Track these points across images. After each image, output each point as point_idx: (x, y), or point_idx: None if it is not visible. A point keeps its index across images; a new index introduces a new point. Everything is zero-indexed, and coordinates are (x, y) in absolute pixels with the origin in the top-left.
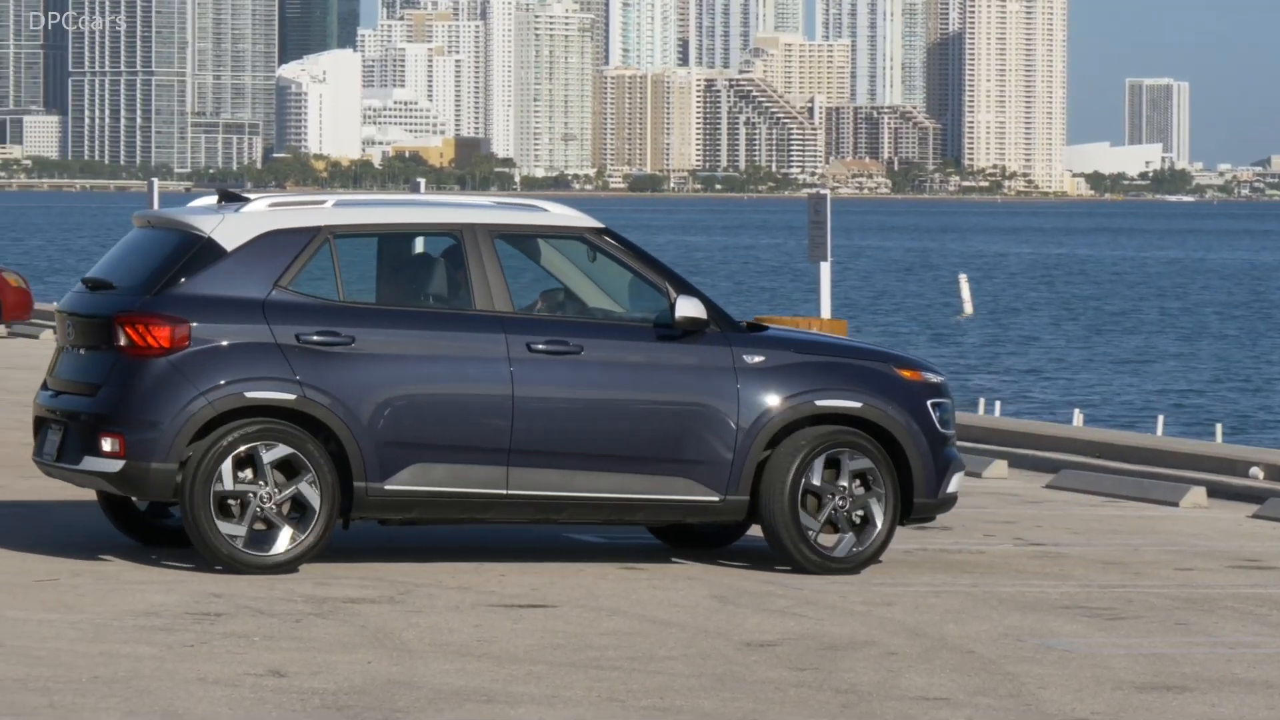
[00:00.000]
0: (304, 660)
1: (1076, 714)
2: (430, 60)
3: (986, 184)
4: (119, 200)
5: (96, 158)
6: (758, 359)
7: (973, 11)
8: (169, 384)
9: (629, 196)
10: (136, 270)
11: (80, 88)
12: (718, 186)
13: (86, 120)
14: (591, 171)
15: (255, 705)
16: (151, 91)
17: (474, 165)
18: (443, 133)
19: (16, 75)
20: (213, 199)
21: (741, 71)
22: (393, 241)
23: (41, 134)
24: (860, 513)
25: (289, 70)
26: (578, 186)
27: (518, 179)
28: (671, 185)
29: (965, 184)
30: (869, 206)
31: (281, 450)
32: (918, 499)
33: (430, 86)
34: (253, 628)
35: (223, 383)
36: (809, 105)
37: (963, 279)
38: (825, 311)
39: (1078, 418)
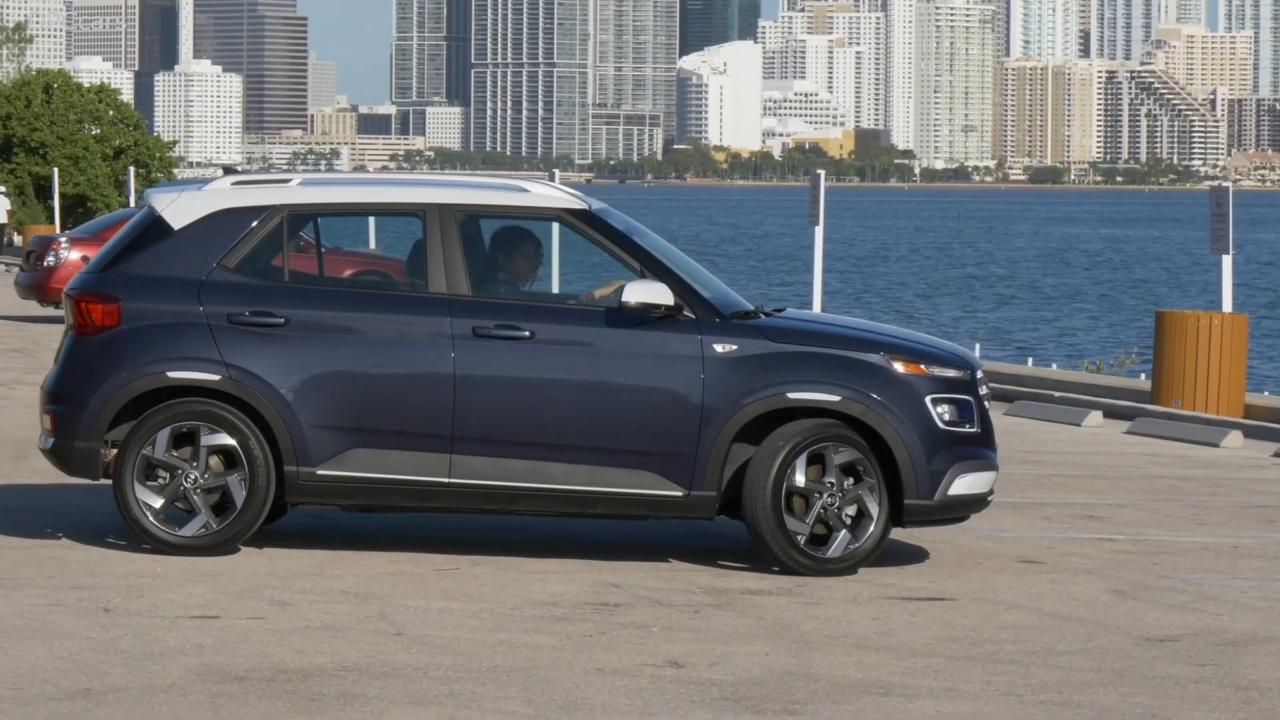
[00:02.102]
0: (702, 651)
1: None
2: (831, 51)
3: None
4: None
5: (498, 149)
6: (729, 348)
7: None
8: (95, 362)
9: (1029, 188)
10: (108, 248)
11: (482, 79)
12: (1118, 179)
13: (488, 112)
14: (991, 163)
15: (653, 696)
16: (553, 83)
17: (873, 157)
18: (843, 124)
19: (420, 67)
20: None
21: (1143, 63)
22: (352, 222)
23: (444, 126)
24: (852, 511)
25: (690, 62)
26: (977, 178)
27: (917, 171)
28: (1072, 177)
29: None
30: (1272, 199)
31: (213, 432)
32: (909, 500)
33: (830, 78)
34: (651, 618)
35: (145, 362)
36: (1211, 97)
37: None
38: (1226, 304)
39: None
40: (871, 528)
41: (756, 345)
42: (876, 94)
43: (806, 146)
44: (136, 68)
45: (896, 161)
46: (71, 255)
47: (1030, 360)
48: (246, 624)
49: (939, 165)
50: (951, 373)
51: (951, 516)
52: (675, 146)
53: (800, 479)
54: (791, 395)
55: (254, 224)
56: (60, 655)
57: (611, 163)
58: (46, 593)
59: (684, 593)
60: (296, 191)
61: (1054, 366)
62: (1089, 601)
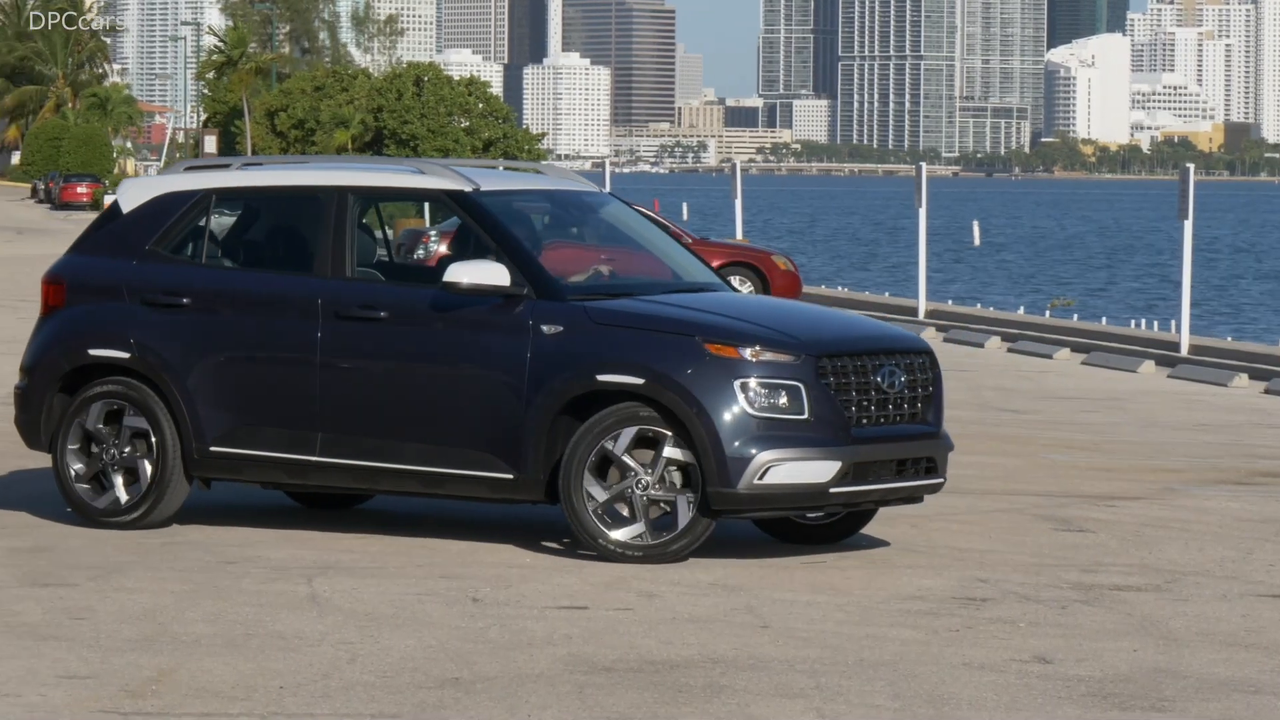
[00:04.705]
0: (1069, 647)
1: None
2: (1200, 44)
3: None
4: (885, 184)
5: (864, 142)
6: (556, 329)
7: None
8: (42, 341)
9: None
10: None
11: (849, 72)
12: None
13: (855, 104)
14: None
15: (1020, 691)
16: (920, 76)
17: (1243, 150)
18: (1212, 117)
19: (787, 60)
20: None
21: None
22: (265, 203)
23: (811, 118)
24: (666, 499)
25: (1057, 54)
26: None
27: None
28: None
29: None
30: None
31: (126, 408)
32: (710, 487)
33: (1199, 71)
34: (1018, 614)
35: (73, 340)
36: None
37: None
38: None
39: None
40: (684, 515)
41: (581, 326)
42: (1246, 87)
43: (1175, 140)
44: (505, 60)
45: (1266, 155)
46: (440, 248)
47: None
48: (614, 615)
49: None
50: (777, 356)
51: (775, 508)
52: (1042, 139)
53: (608, 462)
54: (600, 377)
55: (185, 207)
56: (430, 644)
57: (978, 156)
58: (416, 582)
59: (1051, 588)
60: (228, 176)
61: None
62: None
